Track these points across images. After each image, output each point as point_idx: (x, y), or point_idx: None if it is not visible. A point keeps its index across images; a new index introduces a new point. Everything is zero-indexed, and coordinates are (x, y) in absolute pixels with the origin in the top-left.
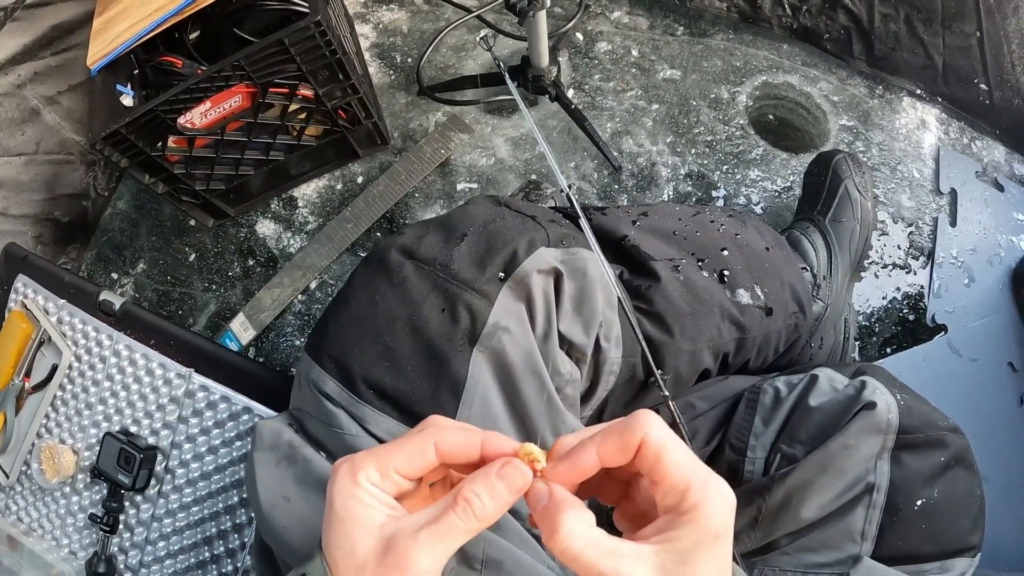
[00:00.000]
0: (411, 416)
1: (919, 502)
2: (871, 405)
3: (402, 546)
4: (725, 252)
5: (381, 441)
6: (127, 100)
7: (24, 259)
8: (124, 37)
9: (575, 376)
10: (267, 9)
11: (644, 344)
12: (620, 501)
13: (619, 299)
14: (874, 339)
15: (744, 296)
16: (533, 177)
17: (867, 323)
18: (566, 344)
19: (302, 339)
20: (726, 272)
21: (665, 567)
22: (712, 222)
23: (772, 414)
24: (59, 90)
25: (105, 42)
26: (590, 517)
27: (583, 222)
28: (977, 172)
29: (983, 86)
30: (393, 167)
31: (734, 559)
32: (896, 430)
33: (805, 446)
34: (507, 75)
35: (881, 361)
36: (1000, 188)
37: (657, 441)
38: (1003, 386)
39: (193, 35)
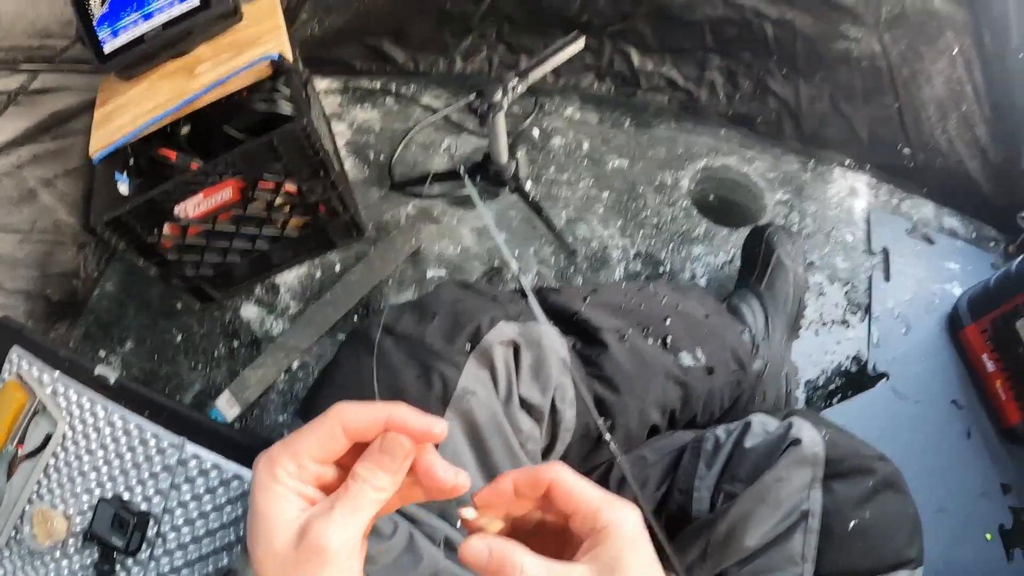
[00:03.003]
0: None
1: (852, 523)
2: (797, 441)
3: (314, 530)
4: (668, 321)
5: None
6: (123, 188)
7: (19, 332)
8: (125, 130)
9: (535, 434)
10: (254, 109)
11: (593, 406)
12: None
13: (570, 366)
14: (820, 391)
15: (687, 358)
16: (496, 263)
17: (814, 377)
18: (526, 406)
19: (285, 416)
20: (669, 338)
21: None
22: (655, 295)
23: (713, 458)
24: (56, 173)
25: (107, 133)
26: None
27: (531, 298)
28: (907, 229)
29: (906, 150)
30: (368, 256)
31: None
32: (824, 461)
33: (744, 483)
34: (467, 176)
35: (828, 410)
36: (930, 242)
37: (568, 480)
38: (950, 422)
39: (184, 129)
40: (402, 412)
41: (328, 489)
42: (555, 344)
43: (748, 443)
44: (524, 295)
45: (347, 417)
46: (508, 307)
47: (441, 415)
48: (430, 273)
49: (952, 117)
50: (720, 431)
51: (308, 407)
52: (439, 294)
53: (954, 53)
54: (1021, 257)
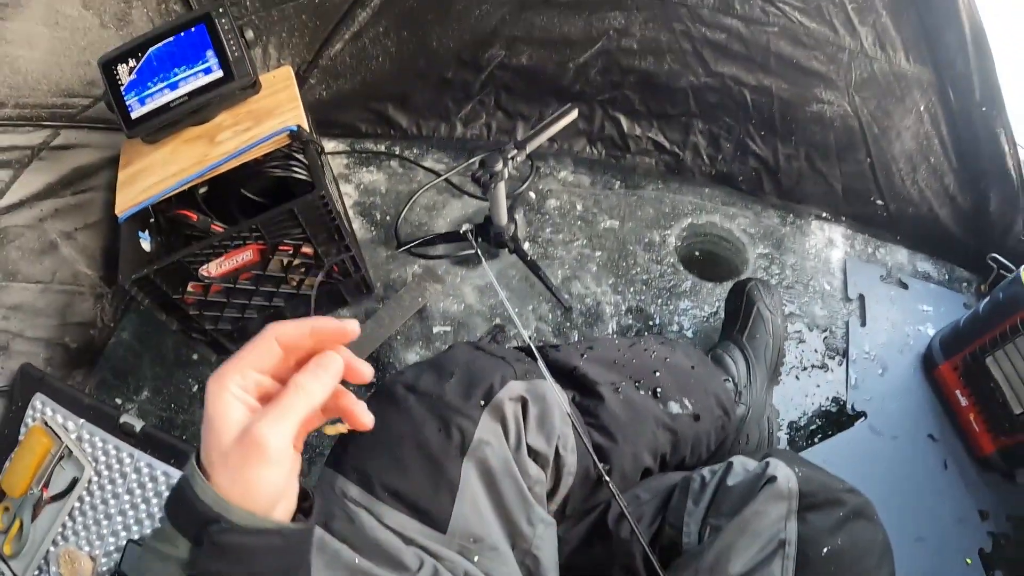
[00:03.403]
0: (418, 511)
1: (825, 550)
2: (773, 479)
3: (255, 429)
4: (657, 373)
5: (398, 534)
6: (146, 245)
7: (41, 380)
8: (150, 192)
9: (541, 478)
10: (270, 174)
11: (592, 452)
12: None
13: (571, 417)
14: (803, 432)
15: (675, 407)
16: (498, 321)
17: (796, 419)
18: (533, 453)
19: (313, 469)
20: (659, 389)
21: None
22: (646, 350)
23: (700, 496)
24: (76, 227)
25: (132, 194)
26: None
27: (540, 363)
28: (882, 276)
29: (879, 201)
30: (377, 313)
31: None
32: (798, 495)
33: (727, 517)
34: (472, 237)
35: (810, 449)
36: (904, 286)
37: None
38: (926, 455)
39: (203, 190)
40: (322, 320)
41: (267, 400)
42: (557, 398)
43: (730, 481)
44: (528, 353)
45: (279, 331)
46: (516, 366)
47: (460, 464)
48: (436, 329)
49: (922, 169)
50: (706, 471)
51: (338, 459)
52: (455, 355)
53: (921, 110)
54: (987, 298)
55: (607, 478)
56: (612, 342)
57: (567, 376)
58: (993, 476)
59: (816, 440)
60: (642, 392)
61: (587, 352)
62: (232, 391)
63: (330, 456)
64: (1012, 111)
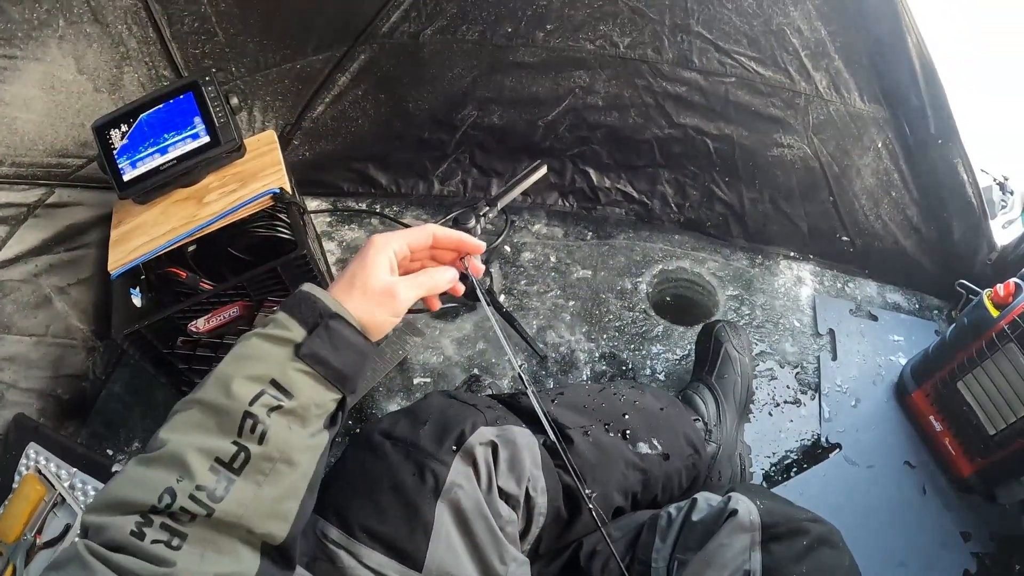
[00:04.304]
0: (395, 551)
1: None
2: (734, 512)
3: (398, 286)
4: (626, 416)
5: (376, 573)
6: (137, 301)
7: (35, 429)
8: (141, 251)
9: (513, 518)
10: (256, 233)
11: (576, 478)
12: None
13: (542, 458)
14: (778, 467)
15: (644, 447)
16: (475, 371)
17: (771, 454)
18: (504, 495)
19: None
20: (628, 431)
21: None
22: (615, 394)
23: (667, 532)
24: (69, 282)
25: (124, 252)
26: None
27: (533, 400)
28: (851, 309)
29: (845, 238)
30: None
31: None
32: (760, 527)
33: (693, 551)
34: (475, 282)
35: (786, 483)
36: (874, 318)
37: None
38: (904, 482)
39: (191, 248)
40: (466, 237)
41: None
42: (528, 442)
43: (695, 517)
44: (500, 401)
45: (436, 230)
46: (487, 413)
47: (434, 506)
48: (416, 380)
49: (884, 203)
50: (672, 508)
51: (320, 502)
52: (429, 403)
53: (879, 146)
54: (952, 325)
55: (590, 503)
56: (583, 388)
57: (538, 421)
58: (973, 498)
59: (792, 474)
60: (611, 434)
61: (558, 398)
62: (390, 253)
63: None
64: (968, 140)
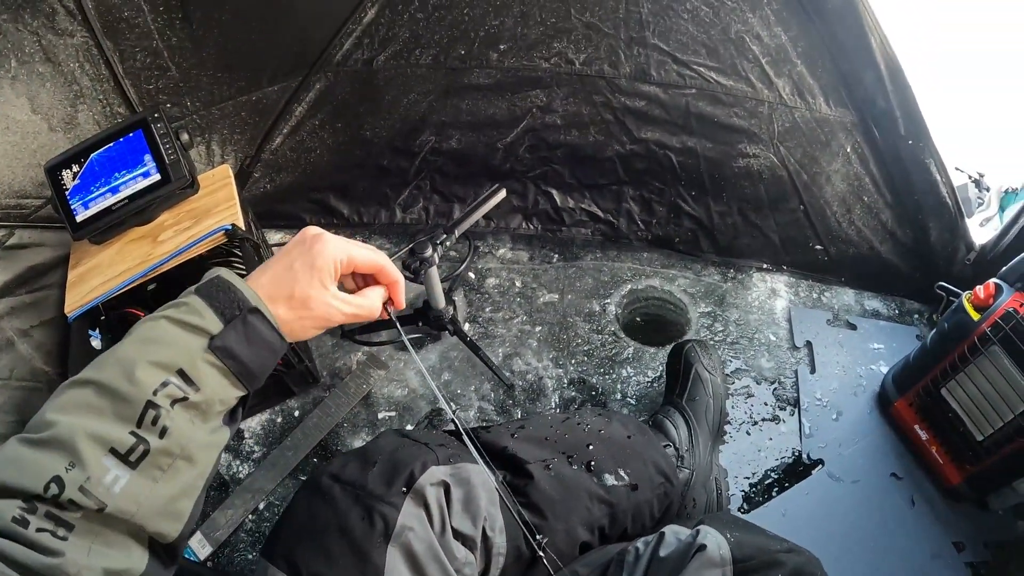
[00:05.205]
0: None
1: None
2: (702, 547)
3: (331, 304)
4: (591, 447)
5: None
6: (96, 343)
7: None
8: (98, 292)
9: (470, 560)
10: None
11: (524, 532)
12: None
13: (500, 496)
14: (758, 487)
15: (610, 479)
16: (439, 405)
17: (751, 475)
18: (459, 536)
19: (254, 553)
20: (592, 462)
21: None
22: (579, 424)
23: (635, 568)
24: (32, 324)
25: (81, 294)
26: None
27: (465, 436)
28: (828, 320)
29: (818, 246)
30: (324, 402)
31: None
32: (731, 561)
33: None
34: (395, 319)
35: (769, 503)
36: (853, 327)
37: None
38: (891, 495)
39: (151, 287)
40: (387, 266)
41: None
42: (483, 479)
43: (663, 552)
44: (457, 436)
45: (385, 263)
46: (439, 452)
47: (384, 551)
48: (381, 415)
49: (856, 209)
50: (640, 543)
51: (269, 550)
52: (380, 444)
53: (848, 151)
54: (933, 331)
55: (540, 550)
56: (545, 419)
57: (497, 456)
58: (964, 506)
59: (774, 494)
60: (575, 467)
61: (518, 432)
62: (338, 263)
63: (264, 545)
64: (940, 138)
